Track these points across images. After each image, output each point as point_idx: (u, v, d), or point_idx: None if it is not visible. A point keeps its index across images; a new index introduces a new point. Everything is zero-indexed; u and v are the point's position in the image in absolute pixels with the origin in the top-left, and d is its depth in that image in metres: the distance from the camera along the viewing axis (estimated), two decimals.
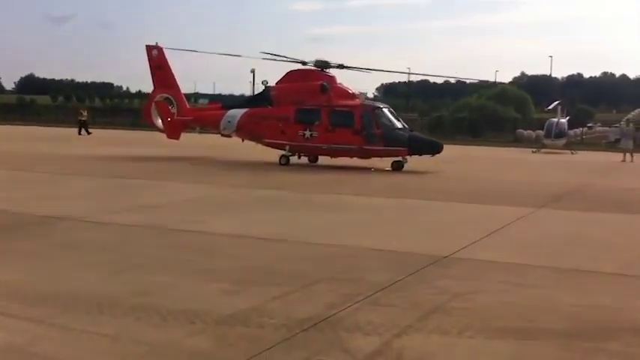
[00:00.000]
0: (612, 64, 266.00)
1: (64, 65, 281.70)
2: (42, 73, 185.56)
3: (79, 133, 44.39)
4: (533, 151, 40.75)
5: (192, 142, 29.56)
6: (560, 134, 41.46)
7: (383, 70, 33.89)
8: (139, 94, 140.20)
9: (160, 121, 28.34)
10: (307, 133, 24.40)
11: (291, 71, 26.04)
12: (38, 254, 9.08)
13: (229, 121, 26.20)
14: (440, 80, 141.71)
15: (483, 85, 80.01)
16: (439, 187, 18.84)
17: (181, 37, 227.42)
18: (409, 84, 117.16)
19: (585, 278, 8.56)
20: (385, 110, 24.94)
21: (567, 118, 44.88)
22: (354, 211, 13.94)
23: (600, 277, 8.62)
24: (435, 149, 24.12)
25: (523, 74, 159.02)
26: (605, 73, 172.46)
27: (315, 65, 25.77)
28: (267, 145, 25.76)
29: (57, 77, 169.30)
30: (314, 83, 24.83)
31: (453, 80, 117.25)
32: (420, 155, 23.87)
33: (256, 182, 18.95)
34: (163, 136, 28.65)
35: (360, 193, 17.09)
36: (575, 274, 8.73)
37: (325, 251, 9.73)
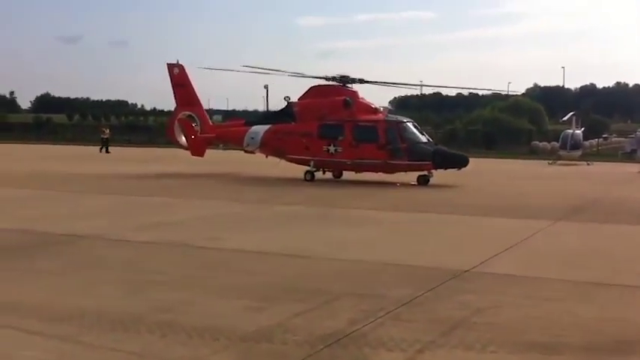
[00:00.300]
0: (625, 73, 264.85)
1: (79, 84, 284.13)
2: (57, 92, 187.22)
3: (101, 151, 44.51)
4: (549, 163, 40.63)
5: (214, 158, 29.65)
6: (575, 146, 41.33)
7: (402, 84, 33.97)
8: (154, 112, 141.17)
9: (183, 138, 28.43)
10: (331, 149, 24.33)
11: (314, 87, 26.02)
12: (62, 272, 9.20)
13: (252, 138, 26.18)
14: (453, 93, 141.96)
15: (496, 98, 79.95)
16: (457, 201, 18.83)
17: (192, 53, 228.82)
18: (422, 97, 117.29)
19: (606, 291, 8.54)
20: (409, 124, 24.86)
21: (582, 129, 44.72)
22: (374, 225, 13.97)
23: (621, 290, 8.60)
24: (460, 163, 24.01)
25: (536, 85, 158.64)
26: (618, 83, 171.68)
27: (337, 80, 25.79)
28: (291, 160, 25.74)
29: (72, 96, 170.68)
30: (337, 98, 24.80)
31: (465, 93, 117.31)
32: (446, 169, 23.74)
33: (276, 198, 19.04)
34: (182, 152, 28.88)
35: (380, 207, 17.11)
36: (595, 288, 8.73)
37: (345, 267, 9.78)
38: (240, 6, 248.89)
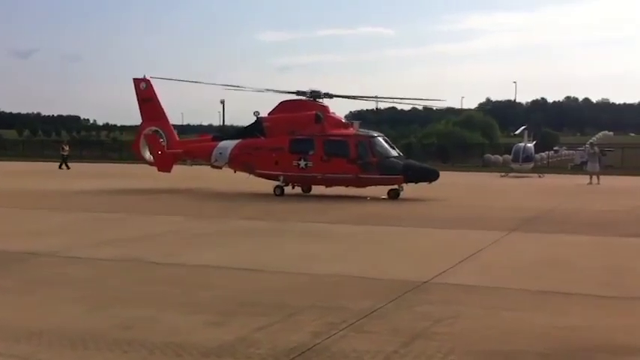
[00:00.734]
0: (575, 88, 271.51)
1: (29, 99, 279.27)
2: (7, 107, 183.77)
3: (60, 167, 43.68)
4: (502, 176, 41.38)
5: (177, 174, 29.34)
6: (527, 158, 42.20)
7: (369, 98, 34.21)
8: (107, 127, 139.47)
9: (148, 154, 28.10)
10: (302, 163, 24.32)
11: (284, 101, 26.07)
12: (20, 291, 9.04)
13: (221, 153, 26.04)
14: (407, 107, 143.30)
15: (450, 112, 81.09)
16: (413, 214, 19.05)
17: (148, 68, 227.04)
18: (377, 112, 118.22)
19: (560, 300, 8.75)
20: (380, 139, 24.95)
21: (534, 142, 45.69)
22: (333, 239, 14.04)
23: (575, 299, 8.81)
24: (431, 176, 24.20)
25: (488, 100, 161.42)
26: (568, 98, 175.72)
27: (308, 95, 25.87)
28: (260, 175, 25.58)
29: (23, 111, 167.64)
30: (308, 113, 24.82)
31: (420, 107, 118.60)
32: (416, 183, 23.90)
33: (235, 212, 18.97)
34: (140, 168, 28.59)
35: (340, 221, 17.17)
36: (550, 297, 8.93)
37: (305, 280, 9.82)
38: (198, 20, 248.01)
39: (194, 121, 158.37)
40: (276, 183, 24.77)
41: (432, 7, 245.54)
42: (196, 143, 28.38)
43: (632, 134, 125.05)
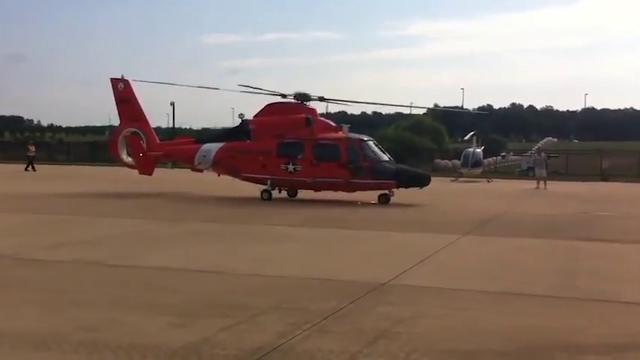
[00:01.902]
0: (519, 95, 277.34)
1: None
2: None
3: (27, 169, 42.05)
4: (452, 180, 41.97)
5: (145, 177, 28.66)
6: (476, 163, 42.91)
7: (362, 102, 34.31)
8: (52, 128, 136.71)
9: (125, 155, 27.40)
10: (290, 167, 23.87)
11: (270, 104, 25.45)
12: None
13: (204, 156, 25.45)
14: (357, 112, 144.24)
15: (400, 117, 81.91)
16: (370, 218, 19.23)
17: (93, 69, 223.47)
18: (327, 115, 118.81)
19: (517, 301, 8.99)
20: (371, 142, 24.59)
21: (482, 147, 46.48)
22: (294, 242, 14.10)
23: (530, 300, 9.06)
24: (422, 182, 23.99)
25: (436, 106, 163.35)
26: (513, 104, 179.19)
27: (294, 98, 25.38)
28: (246, 179, 25.02)
29: None
30: (297, 116, 24.38)
31: (369, 112, 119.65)
32: (407, 188, 23.60)
33: (195, 215, 18.83)
34: (93, 170, 28.06)
35: (301, 224, 17.25)
36: (506, 297, 9.17)
37: (266, 282, 9.87)
38: (143, 22, 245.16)
39: None
40: (263, 187, 24.27)
41: (377, 13, 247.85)
42: (177, 146, 27.60)
43: (576, 141, 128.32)
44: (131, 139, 27.26)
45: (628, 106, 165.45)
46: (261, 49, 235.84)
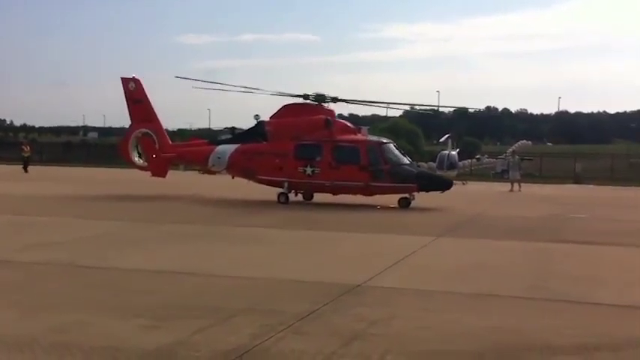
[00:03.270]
0: (494, 98, 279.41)
1: None
2: None
3: (25, 170, 40.54)
4: None
5: (124, 177, 28.17)
6: (451, 166, 43.08)
7: (378, 103, 34.12)
8: (25, 128, 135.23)
9: (137, 157, 26.77)
10: (308, 170, 23.28)
11: (287, 105, 24.92)
12: None
13: (219, 157, 24.77)
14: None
15: (376, 119, 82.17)
16: (345, 219, 19.24)
17: (67, 69, 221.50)
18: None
19: (491, 302, 9.06)
20: (391, 145, 24.07)
21: (457, 150, 46.75)
22: (268, 243, 14.08)
23: (505, 301, 9.14)
24: (444, 186, 23.63)
25: (412, 108, 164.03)
26: (488, 107, 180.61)
27: (313, 99, 24.81)
28: (262, 182, 24.40)
29: None
30: (316, 117, 23.84)
31: (345, 113, 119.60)
32: (428, 192, 23.17)
33: (169, 217, 18.71)
34: (65, 171, 27.54)
35: (277, 225, 17.21)
36: (481, 299, 9.23)
37: (240, 284, 9.84)
38: (117, 21, 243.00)
39: (116, 124, 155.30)
40: (280, 190, 23.73)
41: (353, 16, 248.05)
42: (190, 147, 26.82)
43: (549, 144, 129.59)
44: (143, 140, 26.48)
45: (601, 110, 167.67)
46: (237, 49, 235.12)
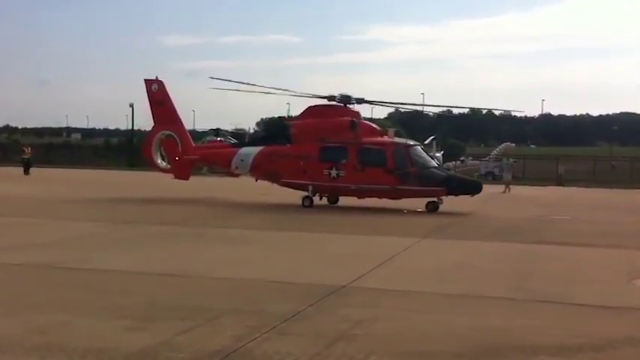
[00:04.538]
0: (479, 100, 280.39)
1: None
2: None
3: (26, 173, 39.96)
4: None
5: (106, 179, 28.05)
6: None
7: (407, 104, 33.88)
8: (7, 129, 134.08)
9: (160, 160, 26.46)
10: (333, 173, 22.84)
11: (312, 106, 24.56)
12: None
13: (242, 160, 24.44)
14: None
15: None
16: (330, 221, 19.26)
17: (50, 69, 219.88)
18: (289, 119, 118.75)
19: (475, 303, 9.09)
20: (418, 148, 23.73)
21: (442, 152, 46.97)
22: (253, 244, 14.07)
23: (489, 302, 9.18)
24: (474, 189, 23.27)
25: (397, 110, 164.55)
26: (472, 110, 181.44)
27: (338, 100, 24.43)
28: (286, 185, 24.05)
29: None
30: (341, 119, 23.42)
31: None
32: (457, 196, 22.86)
33: (153, 218, 18.63)
34: (49, 172, 27.38)
35: (262, 227, 17.17)
36: (465, 299, 9.26)
37: (226, 285, 9.82)
38: (102, 21, 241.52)
39: (100, 125, 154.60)
40: (304, 193, 23.36)
41: (337, 18, 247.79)
42: (213, 149, 26.56)
43: (533, 146, 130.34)
44: (166, 143, 26.19)
45: (584, 112, 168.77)
46: (221, 51, 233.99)
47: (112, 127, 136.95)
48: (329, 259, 12.48)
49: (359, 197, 23.56)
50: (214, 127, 47.06)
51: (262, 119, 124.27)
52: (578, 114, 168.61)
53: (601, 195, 34.76)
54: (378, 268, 11.44)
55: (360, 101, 24.85)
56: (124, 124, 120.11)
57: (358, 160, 22.85)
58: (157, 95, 26.70)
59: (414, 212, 22.36)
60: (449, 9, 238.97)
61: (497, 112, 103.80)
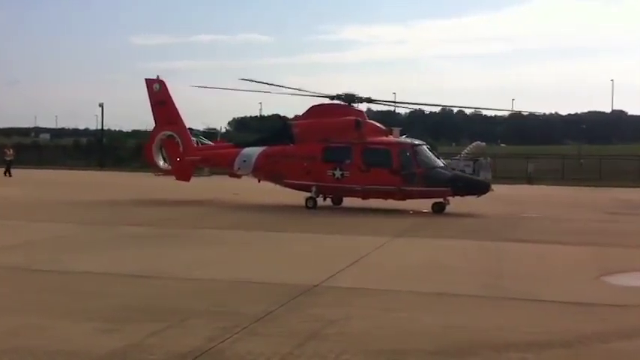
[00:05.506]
0: (450, 100, 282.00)
1: None
2: None
3: (5, 174, 39.28)
4: None
5: (74, 179, 27.65)
6: None
7: (411, 104, 33.70)
8: None
9: (162, 161, 26.10)
10: (337, 173, 22.43)
11: (315, 106, 24.22)
12: None
13: (245, 160, 24.10)
14: (291, 114, 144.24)
15: None
16: (302, 220, 19.27)
17: (18, 69, 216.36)
18: (262, 118, 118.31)
19: (447, 301, 9.15)
20: (424, 147, 23.20)
21: None
22: (224, 245, 14.02)
23: (462, 300, 9.23)
24: (481, 189, 22.85)
25: (369, 110, 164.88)
26: (444, 109, 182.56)
27: (342, 99, 24.09)
28: (289, 186, 23.66)
29: None
30: (346, 119, 22.98)
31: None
32: (464, 196, 22.36)
33: (124, 219, 18.45)
34: (17, 173, 26.98)
35: (233, 227, 17.11)
36: (437, 298, 9.32)
37: (197, 286, 9.76)
38: (69, 20, 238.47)
39: (69, 125, 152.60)
40: (308, 194, 23.00)
41: (308, 17, 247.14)
42: (215, 150, 26.03)
43: (503, 145, 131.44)
44: (167, 143, 25.87)
45: (553, 111, 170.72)
46: (191, 50, 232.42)
47: (81, 126, 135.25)
48: (299, 259, 12.49)
49: (363, 198, 23.20)
50: (187, 127, 46.75)
51: (234, 118, 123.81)
52: (547, 113, 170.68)
53: (570, 193, 35.21)
54: (350, 267, 11.47)
55: (366, 100, 24.54)
56: (93, 124, 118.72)
57: (363, 161, 22.48)
58: (159, 95, 26.41)
59: (396, 212, 22.06)
60: (420, 9, 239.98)
61: (467, 112, 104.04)
